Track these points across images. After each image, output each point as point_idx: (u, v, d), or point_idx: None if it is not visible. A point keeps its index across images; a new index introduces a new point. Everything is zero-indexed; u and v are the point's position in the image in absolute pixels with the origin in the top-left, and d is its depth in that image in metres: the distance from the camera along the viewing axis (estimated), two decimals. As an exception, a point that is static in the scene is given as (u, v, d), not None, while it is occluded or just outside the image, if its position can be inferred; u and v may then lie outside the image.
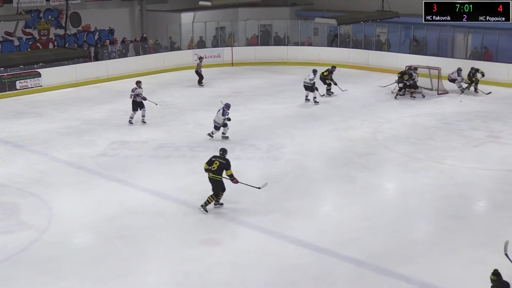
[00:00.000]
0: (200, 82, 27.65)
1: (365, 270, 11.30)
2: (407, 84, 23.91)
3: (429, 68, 25.43)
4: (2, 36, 31.49)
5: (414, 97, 24.10)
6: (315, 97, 23.19)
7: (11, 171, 16.87)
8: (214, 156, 13.76)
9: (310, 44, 33.35)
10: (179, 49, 33.13)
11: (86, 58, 28.65)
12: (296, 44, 33.42)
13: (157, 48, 32.83)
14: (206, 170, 13.62)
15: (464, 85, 24.74)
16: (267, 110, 22.81)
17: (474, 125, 20.60)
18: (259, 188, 13.77)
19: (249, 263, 11.68)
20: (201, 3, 30.71)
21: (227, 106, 18.79)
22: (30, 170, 16.84)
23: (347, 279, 11.03)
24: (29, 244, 12.55)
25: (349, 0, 31.68)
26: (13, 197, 14.98)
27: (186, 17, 34.30)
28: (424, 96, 24.25)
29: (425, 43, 29.69)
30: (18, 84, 27.05)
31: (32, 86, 27.35)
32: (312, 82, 22.91)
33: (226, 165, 13.51)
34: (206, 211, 13.67)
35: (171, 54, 32.34)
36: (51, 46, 32.96)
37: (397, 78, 24.20)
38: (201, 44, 33.41)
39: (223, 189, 13.71)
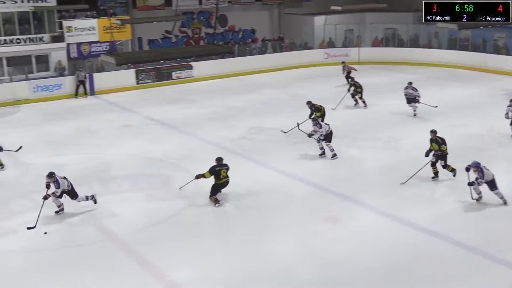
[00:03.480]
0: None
1: (474, 255, 10.91)
2: None
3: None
4: (162, 34, 32.83)
5: None
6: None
7: (166, 149, 17.60)
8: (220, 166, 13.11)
9: (430, 47, 32.33)
10: (311, 48, 33.15)
11: (230, 54, 29.38)
12: (417, 46, 32.49)
13: (292, 47, 33.03)
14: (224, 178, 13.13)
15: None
16: (387, 105, 22.26)
17: None
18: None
19: (365, 240, 11.56)
20: (332, 8, 30.60)
21: None
22: (181, 148, 17.51)
23: (456, 261, 10.69)
24: (179, 210, 13.12)
25: (470, 7, 30.38)
26: (168, 170, 15.63)
27: (319, 20, 34.24)
28: None
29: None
30: (174, 74, 28.15)
31: (185, 76, 28.37)
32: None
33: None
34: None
35: (304, 52, 32.43)
36: (202, 43, 33.98)
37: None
38: (331, 44, 33.24)
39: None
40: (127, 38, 29.93)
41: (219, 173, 13.09)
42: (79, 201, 13.08)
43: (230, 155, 16.76)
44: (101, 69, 27.14)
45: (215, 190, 13.28)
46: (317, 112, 18.19)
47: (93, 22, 28.75)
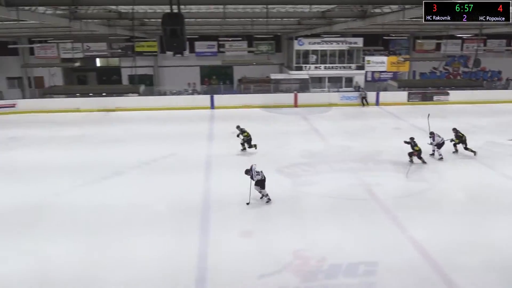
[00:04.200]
0: None
1: None
2: None
3: None
4: (430, 69, 30.17)
5: None
6: None
7: (422, 147, 15.26)
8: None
9: None
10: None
11: (480, 87, 25.02)
12: None
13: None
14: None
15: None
16: None
17: None
18: None
19: None
20: None
21: None
22: (428, 147, 14.76)
23: None
24: (424, 190, 11.51)
25: None
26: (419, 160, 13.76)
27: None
28: None
29: None
30: (434, 97, 25.30)
31: (442, 100, 25.22)
32: None
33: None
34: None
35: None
36: (458, 78, 30.15)
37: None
38: None
39: None
40: (406, 70, 28.14)
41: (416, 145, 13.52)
42: (261, 194, 10.59)
43: (462, 157, 14.39)
44: (385, 89, 25.87)
45: (412, 154, 13.55)
46: (456, 139, 14.63)
47: (384, 58, 27.69)
